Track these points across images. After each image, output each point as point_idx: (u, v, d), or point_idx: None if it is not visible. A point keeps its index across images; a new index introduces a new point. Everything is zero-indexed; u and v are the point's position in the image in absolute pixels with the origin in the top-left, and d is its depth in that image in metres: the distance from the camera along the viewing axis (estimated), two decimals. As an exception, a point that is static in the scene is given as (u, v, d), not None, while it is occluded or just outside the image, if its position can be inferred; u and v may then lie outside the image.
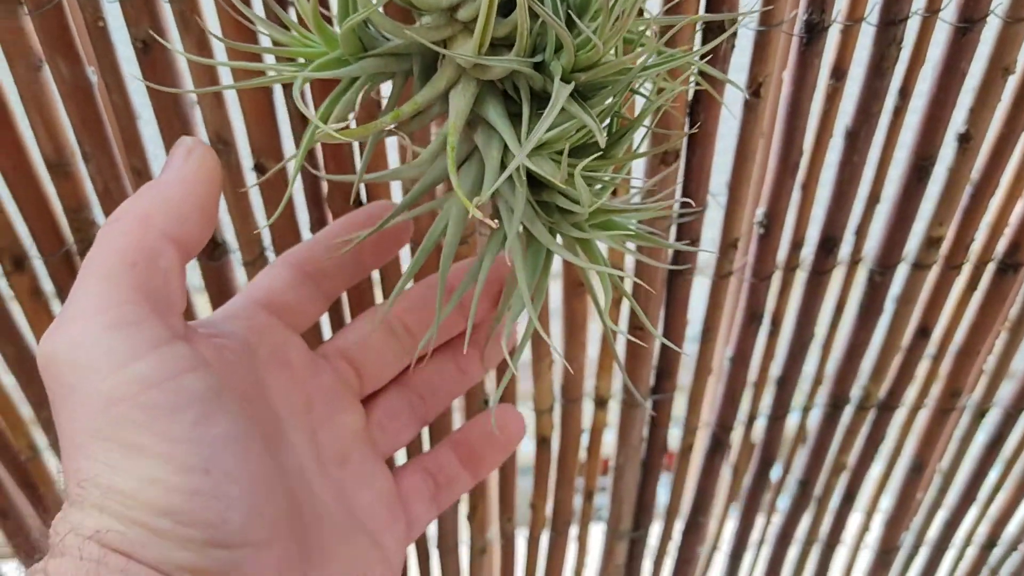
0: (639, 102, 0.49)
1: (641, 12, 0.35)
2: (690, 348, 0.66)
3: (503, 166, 0.37)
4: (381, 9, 0.33)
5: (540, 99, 0.36)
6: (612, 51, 0.34)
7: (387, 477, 0.44)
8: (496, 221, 0.38)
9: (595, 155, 0.36)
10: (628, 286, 0.62)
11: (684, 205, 0.51)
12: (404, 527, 0.44)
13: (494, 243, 0.40)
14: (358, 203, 0.51)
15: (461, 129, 0.36)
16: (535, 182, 0.37)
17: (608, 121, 0.37)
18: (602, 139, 0.33)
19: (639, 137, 0.39)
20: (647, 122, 0.39)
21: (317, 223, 0.53)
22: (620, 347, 0.66)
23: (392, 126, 0.37)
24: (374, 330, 0.43)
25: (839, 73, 0.50)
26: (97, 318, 0.32)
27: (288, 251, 0.43)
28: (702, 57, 0.44)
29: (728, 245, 0.56)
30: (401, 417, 0.45)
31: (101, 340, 0.31)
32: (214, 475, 0.31)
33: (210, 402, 0.33)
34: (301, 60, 0.37)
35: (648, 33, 0.37)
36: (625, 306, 0.62)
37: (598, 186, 0.39)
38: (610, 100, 0.36)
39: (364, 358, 0.44)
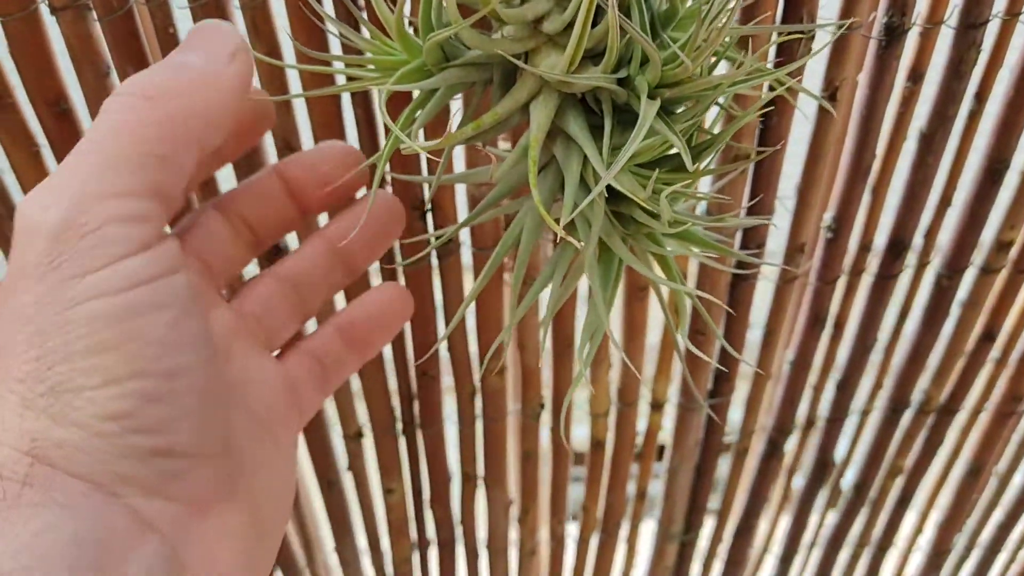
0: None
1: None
2: (750, 352, 0.65)
3: (583, 179, 0.36)
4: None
5: (621, 112, 0.35)
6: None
7: (276, 369, 0.40)
8: (578, 240, 0.37)
9: (678, 171, 0.35)
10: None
11: (753, 213, 0.50)
12: (297, 417, 0.41)
13: (566, 255, 0.39)
14: (422, 210, 0.50)
15: (542, 142, 0.35)
16: (611, 193, 0.36)
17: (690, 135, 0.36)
18: (690, 161, 0.32)
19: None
20: (715, 128, 0.38)
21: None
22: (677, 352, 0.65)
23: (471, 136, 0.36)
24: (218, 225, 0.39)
25: (916, 76, 0.49)
26: (104, 204, 0.29)
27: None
28: (778, 65, 0.43)
29: (795, 249, 0.55)
30: (278, 311, 0.40)
31: (101, 229, 0.29)
32: (176, 381, 0.30)
33: (187, 305, 0.31)
34: (370, 67, 0.36)
35: (729, 44, 0.36)
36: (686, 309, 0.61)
37: (679, 200, 0.38)
38: (694, 116, 0.35)
39: (210, 254, 0.39)
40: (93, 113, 0.46)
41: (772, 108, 0.47)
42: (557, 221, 0.33)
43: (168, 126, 0.31)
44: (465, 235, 0.54)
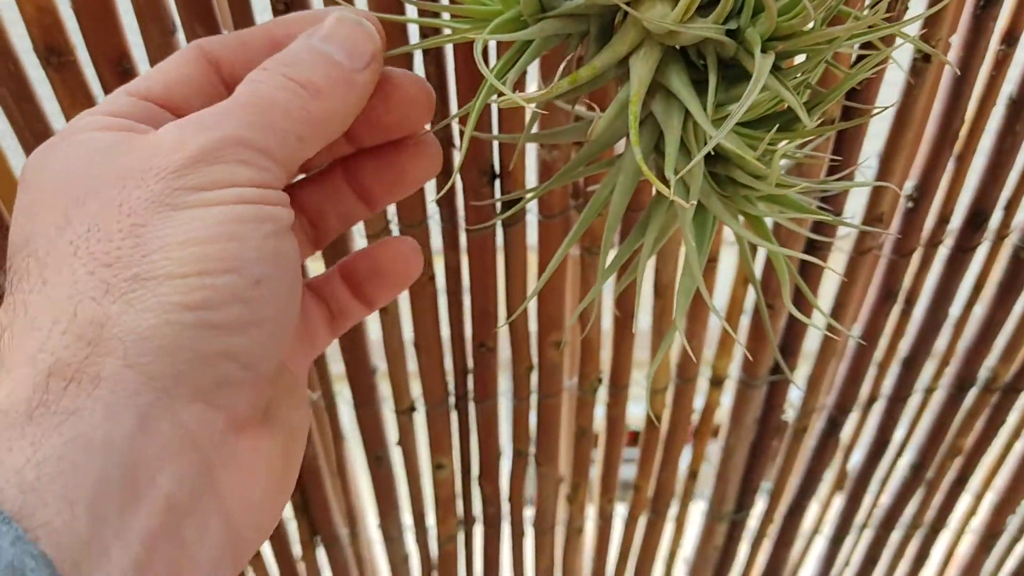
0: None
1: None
2: (817, 329, 0.63)
3: (682, 137, 0.34)
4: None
5: (727, 66, 0.33)
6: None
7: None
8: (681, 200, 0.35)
9: (782, 130, 0.34)
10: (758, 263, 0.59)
11: (846, 178, 0.48)
12: (310, 351, 0.40)
13: (658, 215, 0.37)
14: (492, 175, 0.49)
15: (643, 97, 0.33)
16: (709, 152, 0.34)
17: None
18: (806, 119, 0.30)
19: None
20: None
21: (444, 195, 0.51)
22: (743, 327, 0.63)
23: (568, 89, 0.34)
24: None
25: (1011, 39, 0.46)
26: (242, 150, 0.30)
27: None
28: (890, 20, 0.41)
29: (873, 219, 0.53)
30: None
31: (232, 165, 0.30)
32: (263, 289, 0.30)
33: (286, 227, 0.31)
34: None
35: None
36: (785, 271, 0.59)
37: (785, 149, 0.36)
38: (806, 73, 0.33)
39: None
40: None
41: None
42: (644, 187, 0.31)
43: (315, 118, 0.32)
44: (531, 203, 0.52)
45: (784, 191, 0.36)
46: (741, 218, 0.38)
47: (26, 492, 0.24)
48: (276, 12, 0.42)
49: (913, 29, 0.46)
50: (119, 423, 0.27)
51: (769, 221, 0.39)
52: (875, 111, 0.41)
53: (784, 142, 0.33)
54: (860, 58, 0.43)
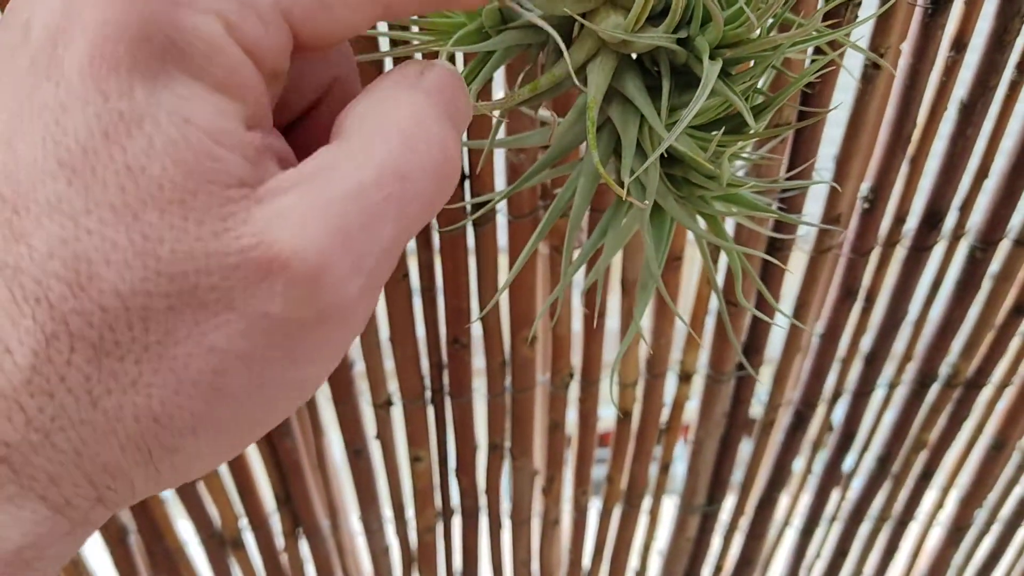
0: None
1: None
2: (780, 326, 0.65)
3: (639, 141, 0.36)
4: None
5: (679, 73, 0.35)
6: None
7: None
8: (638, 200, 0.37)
9: (733, 133, 0.35)
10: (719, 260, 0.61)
11: (798, 178, 0.50)
12: None
13: (617, 217, 0.39)
14: (462, 178, 0.50)
15: (600, 103, 0.35)
16: (664, 154, 0.36)
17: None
18: (752, 121, 0.32)
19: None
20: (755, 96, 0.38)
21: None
22: (710, 323, 0.65)
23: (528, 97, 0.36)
24: None
25: (959, 45, 0.48)
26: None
27: None
28: (832, 26, 0.43)
29: (831, 219, 0.55)
30: None
31: None
32: None
33: None
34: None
35: (789, 4, 0.35)
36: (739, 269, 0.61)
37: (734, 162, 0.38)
38: (753, 78, 0.35)
39: None
40: None
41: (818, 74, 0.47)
42: (606, 190, 0.33)
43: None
44: (501, 203, 0.54)
45: (735, 190, 0.38)
46: (701, 221, 0.40)
47: None
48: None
49: (864, 39, 0.48)
50: None
51: (731, 222, 0.41)
52: (828, 111, 0.43)
53: (735, 146, 0.35)
54: (817, 55, 0.45)
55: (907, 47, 0.47)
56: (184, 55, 0.22)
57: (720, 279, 0.60)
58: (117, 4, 0.21)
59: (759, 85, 0.37)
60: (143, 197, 0.20)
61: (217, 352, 0.21)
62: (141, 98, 0.21)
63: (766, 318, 0.39)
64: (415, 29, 0.38)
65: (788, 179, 0.51)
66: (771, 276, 0.59)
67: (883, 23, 0.46)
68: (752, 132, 0.35)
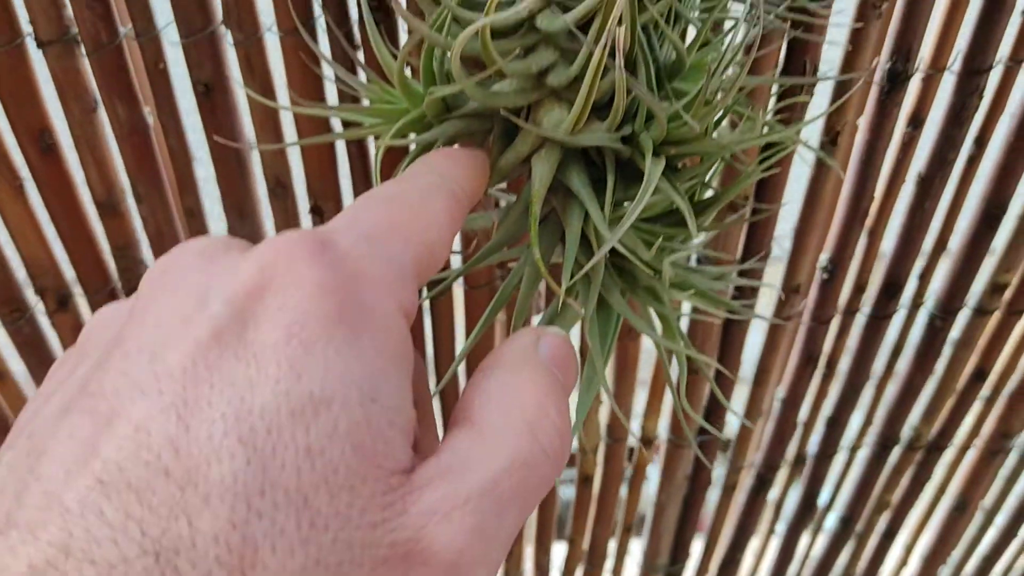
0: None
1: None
2: (742, 389, 0.64)
3: (584, 233, 0.35)
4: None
5: (624, 167, 0.34)
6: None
7: None
8: (577, 301, 0.36)
9: (678, 225, 0.35)
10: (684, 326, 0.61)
11: (750, 255, 0.49)
12: None
13: (565, 311, 0.38)
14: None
15: (543, 197, 0.34)
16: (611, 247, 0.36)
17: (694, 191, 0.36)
18: (694, 226, 0.32)
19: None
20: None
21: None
22: (668, 388, 0.64)
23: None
24: None
25: (917, 121, 0.48)
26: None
27: None
28: (777, 112, 0.42)
29: (790, 290, 0.55)
30: None
31: None
32: None
33: None
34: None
35: (736, 100, 0.35)
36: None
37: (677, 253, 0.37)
38: (697, 177, 0.34)
39: None
40: (79, 147, 0.44)
41: (769, 150, 0.46)
42: (556, 274, 0.32)
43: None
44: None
45: (682, 282, 0.37)
46: (655, 315, 0.39)
47: None
48: (196, 89, 0.42)
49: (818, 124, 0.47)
50: None
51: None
52: (779, 206, 0.43)
53: (675, 254, 0.34)
54: (769, 145, 0.45)
55: (864, 123, 0.47)
56: (370, 324, 0.22)
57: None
58: (315, 282, 0.22)
59: (708, 178, 0.36)
60: (317, 481, 0.20)
61: None
62: (335, 377, 0.21)
63: (724, 401, 0.39)
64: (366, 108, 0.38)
65: (745, 255, 0.50)
66: (732, 341, 0.58)
67: (839, 100, 0.45)
68: (698, 228, 0.35)
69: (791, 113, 0.43)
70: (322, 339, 0.21)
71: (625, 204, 0.34)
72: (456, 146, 0.33)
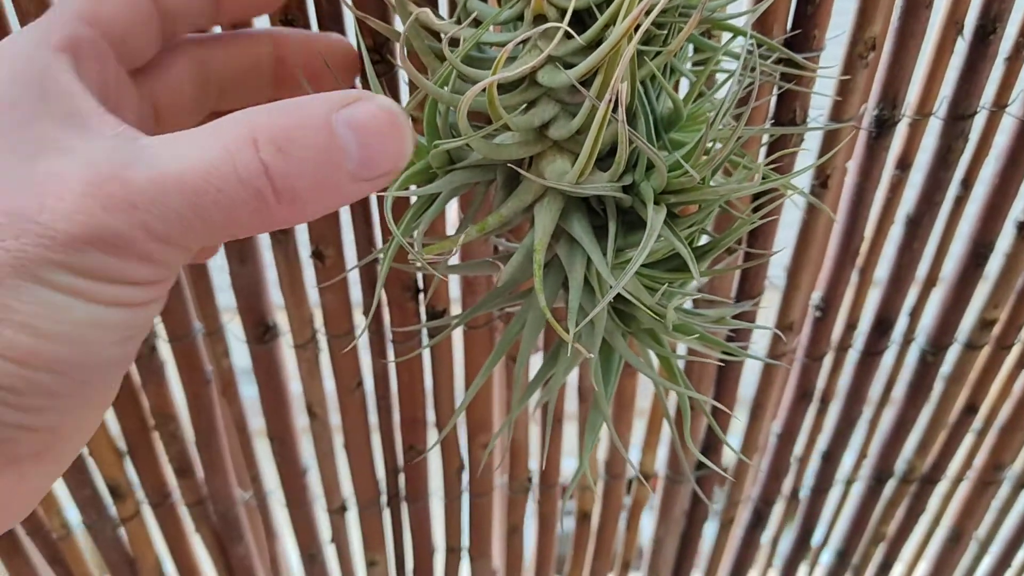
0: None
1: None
2: (738, 425, 0.65)
3: (587, 280, 0.36)
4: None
5: (625, 213, 0.35)
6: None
7: None
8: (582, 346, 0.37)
9: (679, 270, 0.36)
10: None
11: (744, 295, 0.50)
12: None
13: (566, 353, 0.39)
14: (416, 290, 0.50)
15: (547, 244, 0.35)
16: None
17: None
18: (697, 271, 0.33)
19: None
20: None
21: (370, 307, 0.52)
22: (665, 424, 0.65)
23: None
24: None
25: (904, 164, 0.49)
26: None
27: None
28: (777, 159, 0.44)
29: (784, 328, 0.56)
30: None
31: None
32: (83, 388, 0.27)
33: (143, 332, 0.29)
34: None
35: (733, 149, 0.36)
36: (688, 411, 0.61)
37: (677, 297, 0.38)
38: (696, 224, 0.35)
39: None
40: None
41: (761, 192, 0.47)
42: (558, 318, 0.33)
43: (259, 226, 0.28)
44: (456, 310, 0.54)
45: (682, 326, 0.38)
46: (653, 357, 0.40)
47: None
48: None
49: (811, 158, 0.49)
50: None
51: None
52: (773, 252, 0.44)
53: (676, 298, 0.35)
54: (762, 193, 0.46)
55: (853, 166, 0.48)
56: None
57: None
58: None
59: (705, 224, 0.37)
60: None
61: None
62: None
63: (722, 437, 0.39)
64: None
65: (739, 293, 0.51)
66: (728, 377, 0.59)
67: (829, 145, 0.47)
68: (698, 274, 0.36)
69: (783, 160, 0.45)
70: None
71: (626, 250, 0.35)
72: None
